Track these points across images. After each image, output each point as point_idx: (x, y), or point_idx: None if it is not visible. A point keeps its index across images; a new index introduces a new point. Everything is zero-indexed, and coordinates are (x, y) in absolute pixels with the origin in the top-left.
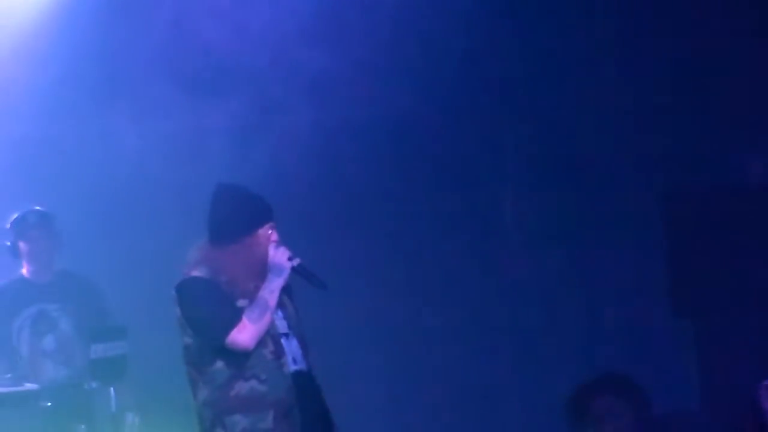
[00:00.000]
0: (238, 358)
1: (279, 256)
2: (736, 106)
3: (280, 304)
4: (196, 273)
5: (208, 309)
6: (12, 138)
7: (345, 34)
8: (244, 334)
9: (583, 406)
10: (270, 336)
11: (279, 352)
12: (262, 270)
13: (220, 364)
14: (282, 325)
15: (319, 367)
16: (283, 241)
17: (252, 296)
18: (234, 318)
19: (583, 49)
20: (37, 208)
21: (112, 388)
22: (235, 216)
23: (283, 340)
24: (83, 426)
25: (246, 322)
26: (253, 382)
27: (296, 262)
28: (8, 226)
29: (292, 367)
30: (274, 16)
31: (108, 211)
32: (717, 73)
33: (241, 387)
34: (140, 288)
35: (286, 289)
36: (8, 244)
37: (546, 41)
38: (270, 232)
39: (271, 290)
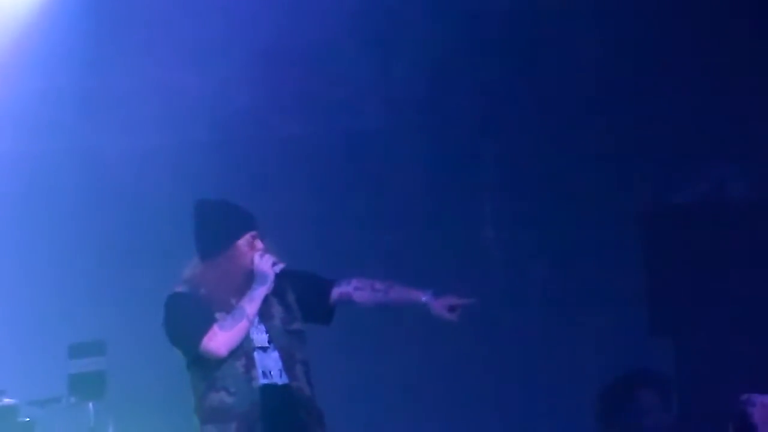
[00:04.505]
0: (211, 370)
1: (263, 263)
2: (715, 122)
3: (266, 317)
4: (177, 289)
5: (182, 321)
6: None
7: (327, 46)
8: (214, 341)
9: (626, 397)
10: (243, 349)
11: (249, 366)
12: (245, 281)
13: (198, 375)
14: (260, 339)
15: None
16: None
17: (231, 309)
18: (206, 327)
19: (564, 63)
20: None
21: (90, 404)
22: (213, 230)
23: (256, 354)
24: None
25: (216, 329)
26: (223, 394)
27: (279, 268)
28: None
29: (262, 381)
30: (259, 28)
31: (88, 227)
32: (696, 90)
33: (213, 398)
34: (120, 304)
35: (281, 299)
36: None
37: (527, 54)
38: (252, 241)
39: (251, 298)
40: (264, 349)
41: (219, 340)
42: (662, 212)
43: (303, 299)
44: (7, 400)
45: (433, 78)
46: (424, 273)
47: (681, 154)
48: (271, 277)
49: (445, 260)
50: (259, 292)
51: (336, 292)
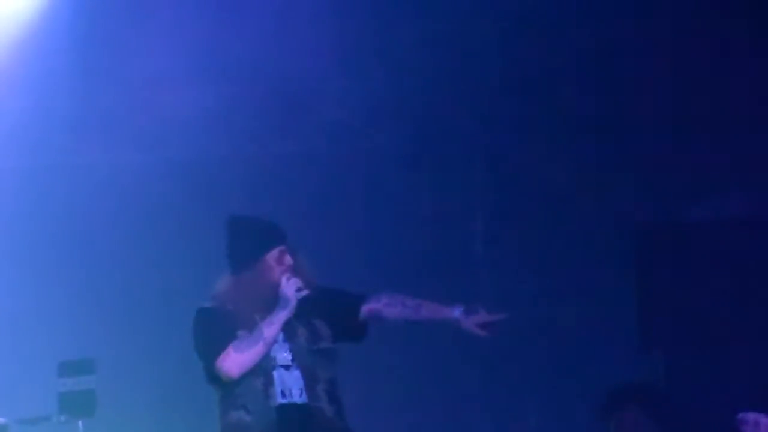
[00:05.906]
0: (231, 388)
1: (288, 287)
2: (706, 141)
3: (290, 336)
4: (205, 304)
5: (203, 337)
6: None
7: (319, 66)
8: (227, 361)
9: (614, 409)
10: (263, 368)
11: (268, 384)
12: (272, 298)
13: (220, 393)
14: (283, 357)
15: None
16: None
17: (254, 327)
18: (224, 345)
19: (560, 76)
20: None
21: (80, 422)
22: (242, 244)
23: (276, 372)
24: None
25: (230, 350)
26: (242, 413)
27: (303, 294)
28: None
29: (280, 400)
30: (247, 48)
31: (76, 245)
32: (689, 109)
33: (233, 416)
34: (109, 321)
35: (306, 320)
36: None
37: (521, 66)
38: (281, 256)
39: (271, 322)
40: (286, 367)
41: (231, 361)
42: (654, 229)
43: (332, 318)
44: None
45: (425, 96)
46: (419, 286)
47: (675, 170)
48: (293, 302)
49: (433, 281)
50: (280, 317)
51: (366, 309)
